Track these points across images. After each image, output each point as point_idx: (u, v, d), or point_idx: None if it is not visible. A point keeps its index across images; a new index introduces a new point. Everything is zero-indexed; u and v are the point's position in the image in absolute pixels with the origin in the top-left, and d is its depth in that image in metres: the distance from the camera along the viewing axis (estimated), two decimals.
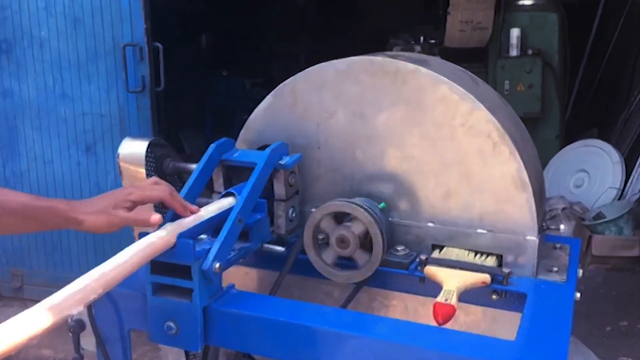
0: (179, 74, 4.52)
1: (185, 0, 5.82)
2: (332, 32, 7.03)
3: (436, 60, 1.64)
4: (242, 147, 1.55)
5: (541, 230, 1.39)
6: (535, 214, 1.33)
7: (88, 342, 1.32)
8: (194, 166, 1.42)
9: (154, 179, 1.27)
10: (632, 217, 4.26)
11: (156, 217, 1.16)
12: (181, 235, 1.15)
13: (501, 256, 1.37)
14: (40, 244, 3.69)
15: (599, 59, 5.74)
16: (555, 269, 1.39)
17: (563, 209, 4.34)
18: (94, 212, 1.12)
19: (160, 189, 1.21)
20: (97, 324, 1.29)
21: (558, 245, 1.51)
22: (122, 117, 3.41)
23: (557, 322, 1.19)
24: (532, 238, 1.34)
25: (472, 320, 1.39)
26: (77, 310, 0.95)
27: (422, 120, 1.40)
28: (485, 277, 1.29)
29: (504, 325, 1.33)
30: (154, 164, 1.51)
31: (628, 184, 4.58)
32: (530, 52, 4.89)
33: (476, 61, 5.00)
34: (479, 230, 1.38)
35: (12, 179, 3.57)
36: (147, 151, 1.48)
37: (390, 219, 1.44)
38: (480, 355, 1.06)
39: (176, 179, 1.57)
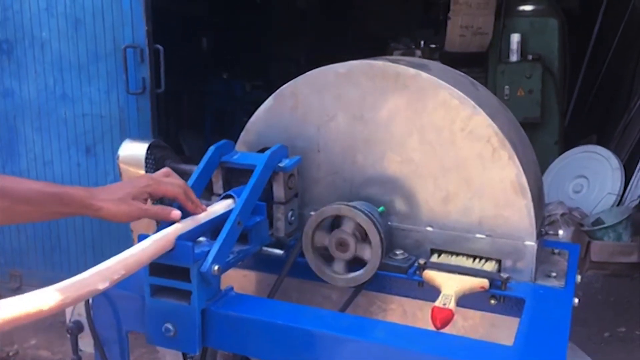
0: (179, 76, 4.53)
1: (186, 2, 5.83)
2: (332, 35, 7.04)
3: (436, 65, 1.64)
4: (242, 149, 1.55)
5: (540, 236, 1.39)
6: (534, 219, 1.33)
7: (86, 343, 1.32)
8: (193, 168, 1.42)
9: (166, 170, 1.28)
10: (631, 223, 4.27)
11: (176, 213, 1.19)
12: (180, 238, 1.15)
13: (500, 261, 1.37)
14: (39, 245, 3.68)
15: (599, 64, 5.75)
16: (553, 274, 1.39)
17: (562, 215, 4.34)
18: (112, 201, 1.13)
19: (176, 184, 1.22)
20: (95, 326, 1.28)
21: (557, 251, 1.51)
22: (122, 119, 3.42)
23: (555, 327, 1.19)
24: (531, 243, 1.34)
25: (471, 324, 1.39)
26: (103, 285, 1.00)
27: (422, 125, 1.40)
28: (484, 282, 1.29)
29: (503, 330, 1.33)
30: (154, 165, 1.51)
31: (627, 190, 4.58)
32: (530, 57, 4.90)
33: (476, 66, 5.02)
34: (478, 235, 1.38)
35: None
36: (146, 153, 1.49)
37: (389, 222, 1.44)
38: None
39: None
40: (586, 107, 5.87)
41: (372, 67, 1.44)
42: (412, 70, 1.40)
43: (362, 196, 1.46)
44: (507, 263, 1.36)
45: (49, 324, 3.46)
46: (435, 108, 1.38)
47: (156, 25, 3.33)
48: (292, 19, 7.32)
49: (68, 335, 1.34)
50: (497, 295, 1.32)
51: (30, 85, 3.52)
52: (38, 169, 3.59)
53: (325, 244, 1.39)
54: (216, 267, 1.17)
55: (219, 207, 1.31)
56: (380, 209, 1.42)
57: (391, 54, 5.02)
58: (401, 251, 1.42)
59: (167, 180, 1.24)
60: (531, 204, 1.33)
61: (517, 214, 1.34)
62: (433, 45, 5.37)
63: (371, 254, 1.34)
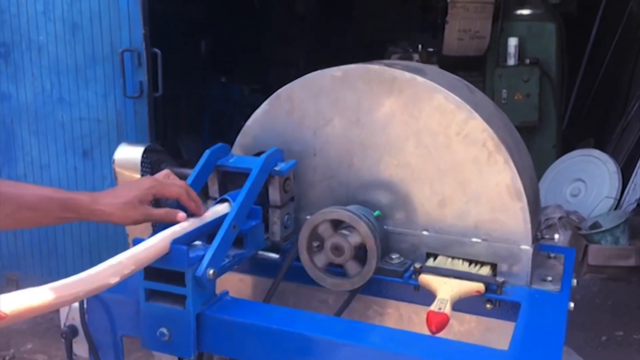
0: (177, 80, 4.52)
1: (184, 5, 5.83)
2: (331, 39, 7.05)
3: (433, 69, 1.64)
4: (239, 153, 1.55)
5: (536, 240, 1.39)
6: (529, 224, 1.33)
7: (80, 348, 1.32)
8: (189, 172, 1.42)
9: (166, 171, 1.29)
10: (629, 226, 4.28)
11: (182, 215, 1.21)
12: (175, 241, 1.15)
13: (495, 265, 1.37)
14: (36, 249, 3.68)
15: (597, 68, 5.76)
16: (549, 278, 1.39)
17: (559, 218, 4.35)
18: (120, 205, 1.14)
19: (178, 185, 1.24)
20: (89, 330, 1.28)
21: (552, 255, 1.51)
22: (120, 123, 3.41)
23: (551, 331, 1.19)
24: (527, 247, 1.34)
25: (466, 329, 1.39)
26: (114, 280, 1.02)
27: (418, 129, 1.40)
28: (479, 286, 1.29)
29: (498, 334, 1.32)
30: (150, 169, 1.51)
31: (624, 193, 4.59)
32: (527, 61, 4.91)
33: (474, 70, 5.03)
34: (474, 239, 1.38)
35: None
36: (142, 157, 1.49)
37: (385, 226, 1.44)
38: None
39: None
40: (584, 111, 5.88)
41: (368, 71, 1.44)
42: (408, 75, 1.40)
43: (359, 200, 1.46)
44: (503, 267, 1.36)
45: (45, 328, 3.45)
46: (431, 112, 1.38)
47: (154, 28, 3.33)
48: (291, 23, 7.33)
49: (63, 340, 1.33)
50: (492, 300, 1.32)
51: (27, 89, 3.51)
52: (35, 172, 3.59)
53: (324, 238, 1.38)
54: (211, 271, 1.17)
55: (215, 210, 1.30)
56: (376, 213, 1.41)
57: (389, 58, 5.02)
58: (397, 255, 1.42)
59: (169, 181, 1.25)
60: (527, 208, 1.33)
61: (513, 218, 1.34)
62: (431, 49, 5.39)
63: (367, 258, 1.34)
